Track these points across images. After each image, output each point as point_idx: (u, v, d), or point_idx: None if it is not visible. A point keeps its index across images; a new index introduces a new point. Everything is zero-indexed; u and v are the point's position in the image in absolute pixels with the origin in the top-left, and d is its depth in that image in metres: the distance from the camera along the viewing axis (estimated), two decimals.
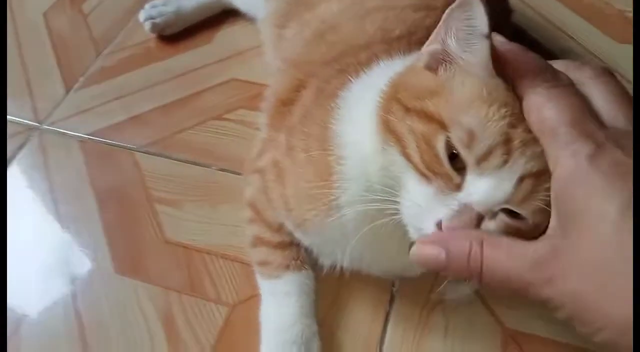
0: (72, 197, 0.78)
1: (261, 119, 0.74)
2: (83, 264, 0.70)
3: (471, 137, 0.39)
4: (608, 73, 0.39)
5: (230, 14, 1.01)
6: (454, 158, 0.41)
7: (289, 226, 0.61)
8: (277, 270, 0.63)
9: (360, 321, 0.64)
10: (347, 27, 0.64)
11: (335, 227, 0.54)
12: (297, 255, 0.64)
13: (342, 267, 0.60)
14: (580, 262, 0.32)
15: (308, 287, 0.63)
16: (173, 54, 0.97)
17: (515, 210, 0.40)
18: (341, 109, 0.54)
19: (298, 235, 0.61)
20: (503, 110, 0.39)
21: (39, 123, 0.87)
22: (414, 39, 0.60)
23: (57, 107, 0.90)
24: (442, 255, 0.38)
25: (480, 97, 0.40)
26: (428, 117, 0.42)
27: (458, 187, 0.41)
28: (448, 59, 0.43)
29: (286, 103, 0.65)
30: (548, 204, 0.38)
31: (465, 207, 0.40)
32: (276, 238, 0.64)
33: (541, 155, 0.38)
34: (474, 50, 0.41)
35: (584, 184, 0.32)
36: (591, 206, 0.32)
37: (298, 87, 0.64)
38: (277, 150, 0.61)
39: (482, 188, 0.40)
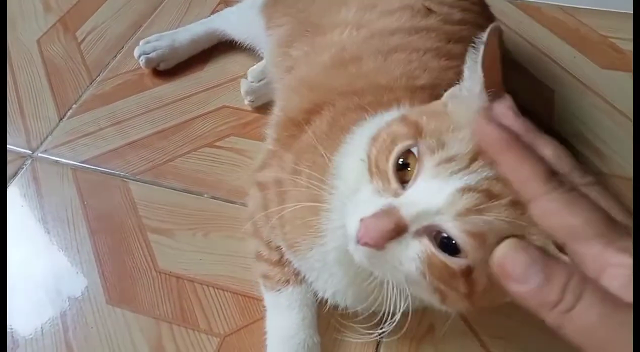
0: (64, 225, 0.78)
1: (268, 130, 0.75)
2: (75, 295, 0.71)
3: (440, 146, 0.39)
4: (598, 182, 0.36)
5: (221, 42, 1.02)
6: (403, 168, 0.41)
7: (283, 246, 0.62)
8: (278, 284, 0.64)
9: None
10: (370, 63, 0.65)
11: (318, 255, 0.55)
12: (298, 271, 0.64)
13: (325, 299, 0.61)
14: None
15: (309, 299, 0.64)
16: (166, 81, 0.98)
17: (448, 225, 0.38)
18: (348, 144, 0.54)
19: (289, 256, 0.62)
20: None
21: (31, 151, 0.88)
22: (436, 93, 0.61)
23: (50, 135, 0.90)
24: (534, 268, 0.32)
25: (467, 123, 0.40)
26: (413, 124, 0.42)
27: (396, 194, 0.40)
28: (461, 94, 0.44)
29: (296, 123, 0.66)
30: (487, 233, 0.36)
31: (391, 209, 0.39)
32: (274, 256, 0.65)
33: (502, 182, 0.37)
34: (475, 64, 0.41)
35: None
36: None
37: (311, 111, 0.65)
38: (282, 170, 0.62)
39: (421, 191, 0.39)
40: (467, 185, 0.37)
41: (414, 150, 0.41)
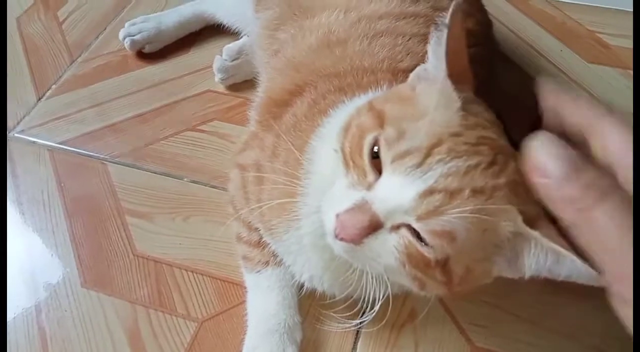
0: (40, 207, 0.76)
1: (251, 112, 0.74)
2: (49, 277, 0.69)
3: (399, 137, 0.39)
4: (612, 112, 0.35)
5: (208, 26, 1.00)
6: (378, 157, 0.40)
7: (260, 228, 0.61)
8: (257, 265, 0.64)
9: (330, 340, 0.64)
10: (356, 46, 0.64)
11: (294, 238, 0.55)
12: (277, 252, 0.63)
13: (302, 284, 0.60)
14: None
15: (289, 281, 0.63)
16: (149, 63, 0.96)
17: (415, 226, 0.38)
18: (324, 127, 0.54)
19: (266, 238, 0.61)
20: (456, 118, 0.39)
21: (7, 131, 0.86)
22: None
23: (27, 115, 0.88)
24: (565, 165, 0.32)
25: (432, 107, 0.40)
26: (379, 116, 0.42)
27: (370, 187, 0.40)
28: (426, 75, 0.44)
29: (278, 104, 0.65)
30: (454, 230, 0.36)
31: (364, 204, 0.39)
32: (254, 237, 0.64)
33: (466, 174, 0.37)
34: (439, 47, 0.41)
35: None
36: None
37: (293, 92, 0.64)
38: (262, 152, 0.61)
39: (387, 187, 0.38)
40: (426, 188, 0.37)
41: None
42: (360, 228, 0.39)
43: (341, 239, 0.40)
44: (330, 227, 0.42)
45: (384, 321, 0.62)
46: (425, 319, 0.64)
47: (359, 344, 0.63)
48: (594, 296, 0.34)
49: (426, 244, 0.39)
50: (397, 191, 0.38)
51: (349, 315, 0.54)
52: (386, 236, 0.40)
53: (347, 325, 0.54)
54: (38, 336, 0.64)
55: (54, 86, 0.93)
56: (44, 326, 0.64)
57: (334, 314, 0.56)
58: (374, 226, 0.39)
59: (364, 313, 0.47)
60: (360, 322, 0.49)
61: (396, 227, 0.39)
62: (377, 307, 0.45)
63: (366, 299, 0.46)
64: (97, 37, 1.01)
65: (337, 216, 0.41)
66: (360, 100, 0.54)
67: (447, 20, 0.40)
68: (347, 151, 0.43)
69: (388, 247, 0.40)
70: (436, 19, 0.41)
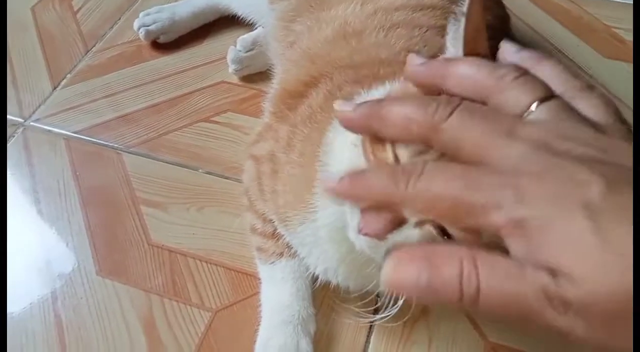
0: (55, 196, 0.77)
1: (266, 104, 0.74)
2: (65, 265, 0.69)
3: None
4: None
5: (222, 17, 1.00)
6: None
7: (275, 220, 0.61)
8: (271, 257, 0.64)
9: (343, 333, 0.64)
10: (372, 37, 0.63)
11: (309, 230, 0.55)
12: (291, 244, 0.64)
13: (316, 277, 0.60)
14: None
15: (303, 272, 0.63)
16: (163, 54, 0.96)
17: (440, 220, 0.37)
18: None
19: (280, 230, 0.61)
20: None
21: (23, 119, 0.86)
22: None
23: (43, 104, 0.89)
24: (423, 277, 0.29)
25: None
26: None
27: None
28: None
29: (293, 95, 0.65)
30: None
31: None
32: (268, 228, 0.64)
33: None
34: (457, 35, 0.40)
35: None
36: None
37: (308, 83, 0.64)
38: (276, 144, 0.61)
39: None
40: None
41: None
42: (384, 223, 0.38)
43: (365, 234, 0.40)
44: (354, 222, 0.41)
45: (398, 316, 0.63)
46: (439, 314, 0.64)
47: (372, 337, 0.63)
48: None
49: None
50: None
51: (370, 310, 0.54)
52: (411, 231, 0.39)
53: (366, 319, 0.54)
54: (54, 324, 0.64)
55: (69, 75, 0.93)
56: (60, 313, 0.65)
57: (353, 307, 0.57)
58: (399, 221, 0.39)
59: (385, 308, 0.47)
60: (382, 318, 0.49)
61: (421, 223, 0.39)
62: (400, 303, 0.45)
63: (389, 295, 0.46)
64: (112, 27, 1.01)
65: (361, 210, 0.41)
66: (377, 92, 0.54)
67: (465, 9, 0.39)
68: (367, 144, 0.43)
69: (412, 242, 0.39)
70: (455, 9, 0.40)
